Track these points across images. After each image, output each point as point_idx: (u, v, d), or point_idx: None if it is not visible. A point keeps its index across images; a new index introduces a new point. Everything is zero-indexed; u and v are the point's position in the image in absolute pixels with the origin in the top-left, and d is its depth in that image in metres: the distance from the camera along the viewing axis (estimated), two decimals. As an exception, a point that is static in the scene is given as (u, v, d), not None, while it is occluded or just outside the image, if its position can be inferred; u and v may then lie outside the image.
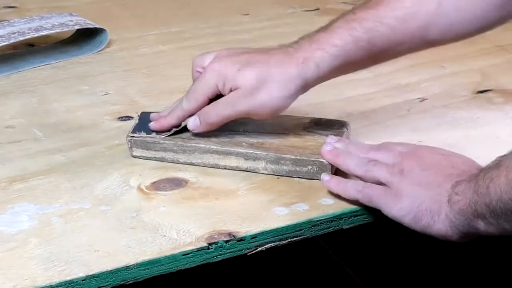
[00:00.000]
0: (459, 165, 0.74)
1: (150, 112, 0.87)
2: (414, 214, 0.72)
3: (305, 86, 0.80)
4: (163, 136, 0.83)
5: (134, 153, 0.84)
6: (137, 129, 0.85)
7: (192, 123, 0.82)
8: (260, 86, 0.79)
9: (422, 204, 0.71)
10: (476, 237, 0.71)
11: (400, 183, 0.73)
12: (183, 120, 0.83)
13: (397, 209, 0.72)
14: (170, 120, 0.84)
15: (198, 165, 0.82)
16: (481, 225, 0.68)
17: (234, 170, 0.82)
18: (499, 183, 0.65)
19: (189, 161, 0.83)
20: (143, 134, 0.84)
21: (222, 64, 0.81)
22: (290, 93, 0.79)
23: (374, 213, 0.76)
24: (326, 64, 0.80)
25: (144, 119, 0.86)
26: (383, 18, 0.81)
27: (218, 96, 0.81)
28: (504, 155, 0.67)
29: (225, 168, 0.82)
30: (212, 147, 0.82)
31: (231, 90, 0.80)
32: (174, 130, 0.84)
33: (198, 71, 0.84)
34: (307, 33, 0.83)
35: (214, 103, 0.81)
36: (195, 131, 0.82)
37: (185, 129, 0.83)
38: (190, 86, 0.84)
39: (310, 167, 0.80)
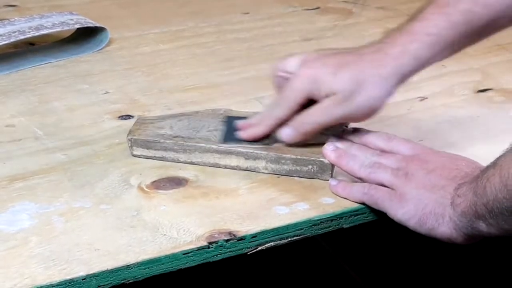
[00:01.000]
0: (463, 167, 0.74)
1: (236, 117, 0.85)
2: (419, 218, 0.71)
3: (402, 80, 0.78)
4: (255, 146, 0.81)
5: (135, 152, 0.84)
6: (226, 138, 0.82)
7: (285, 134, 0.80)
8: (357, 88, 0.76)
9: (426, 207, 0.71)
10: (480, 238, 0.70)
11: (404, 186, 0.73)
12: (275, 129, 0.81)
13: (402, 213, 0.72)
14: (262, 129, 0.81)
15: (198, 164, 0.82)
16: (483, 227, 0.67)
17: (235, 169, 0.82)
18: (494, 182, 0.65)
19: (189, 161, 0.82)
20: (233, 145, 0.81)
21: (314, 68, 0.78)
22: (388, 91, 0.77)
23: (374, 212, 0.76)
24: (423, 54, 0.77)
25: (231, 125, 0.84)
26: None
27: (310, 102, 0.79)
28: (501, 155, 0.67)
29: (225, 168, 0.82)
30: (213, 146, 0.82)
31: (326, 96, 0.77)
32: (266, 142, 0.81)
33: (281, 76, 0.81)
34: (395, 27, 0.80)
35: (307, 111, 0.78)
36: (287, 142, 0.80)
37: (272, 138, 0.82)
38: (277, 93, 0.82)
39: (310, 166, 0.80)
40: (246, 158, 0.81)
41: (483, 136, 0.90)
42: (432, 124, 0.93)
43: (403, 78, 0.77)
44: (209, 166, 0.82)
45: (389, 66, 0.76)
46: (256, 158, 0.81)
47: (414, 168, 0.74)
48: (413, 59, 0.77)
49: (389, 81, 0.76)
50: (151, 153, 0.83)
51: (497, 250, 1.23)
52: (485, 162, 0.70)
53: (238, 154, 0.81)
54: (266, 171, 0.81)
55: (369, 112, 0.78)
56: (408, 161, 0.76)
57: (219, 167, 0.82)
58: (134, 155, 0.84)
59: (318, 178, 0.80)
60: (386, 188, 0.74)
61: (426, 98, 0.99)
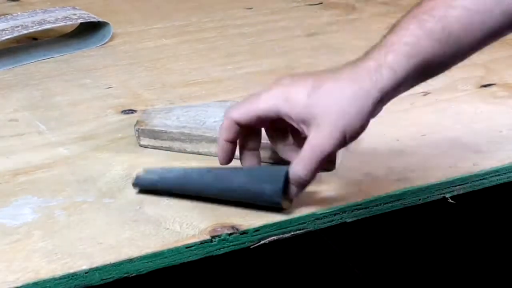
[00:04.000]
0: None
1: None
2: None
3: (383, 99, 0.70)
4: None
5: (142, 142, 0.84)
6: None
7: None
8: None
9: None
10: None
11: None
12: None
13: None
14: None
15: (205, 154, 0.82)
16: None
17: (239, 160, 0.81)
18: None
19: (196, 151, 0.82)
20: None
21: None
22: (368, 110, 0.70)
23: (377, 207, 0.76)
24: (402, 67, 0.70)
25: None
26: (453, 1, 0.71)
27: None
28: None
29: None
30: None
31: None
32: None
33: None
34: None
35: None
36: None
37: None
38: None
39: None
40: None
41: (486, 131, 0.90)
42: (435, 119, 0.93)
43: (382, 95, 0.70)
44: (215, 156, 0.81)
45: (366, 82, 0.70)
46: (261, 148, 0.80)
47: None
48: (391, 72, 0.70)
49: (367, 99, 0.70)
50: (158, 143, 0.83)
51: (497, 249, 1.23)
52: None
53: None
54: (271, 161, 0.81)
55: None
56: None
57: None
58: (141, 145, 0.84)
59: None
60: None
61: (429, 93, 0.99)
